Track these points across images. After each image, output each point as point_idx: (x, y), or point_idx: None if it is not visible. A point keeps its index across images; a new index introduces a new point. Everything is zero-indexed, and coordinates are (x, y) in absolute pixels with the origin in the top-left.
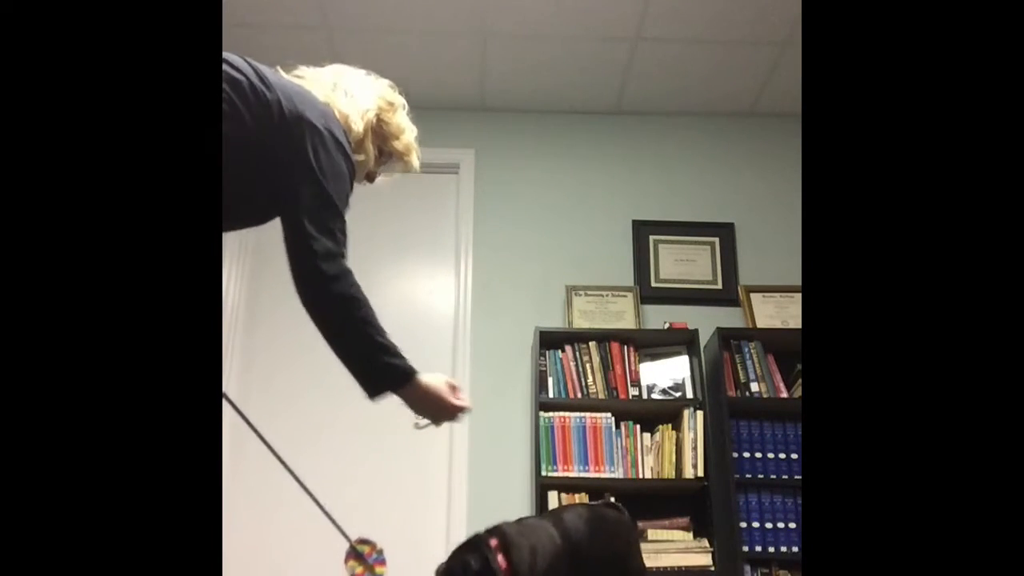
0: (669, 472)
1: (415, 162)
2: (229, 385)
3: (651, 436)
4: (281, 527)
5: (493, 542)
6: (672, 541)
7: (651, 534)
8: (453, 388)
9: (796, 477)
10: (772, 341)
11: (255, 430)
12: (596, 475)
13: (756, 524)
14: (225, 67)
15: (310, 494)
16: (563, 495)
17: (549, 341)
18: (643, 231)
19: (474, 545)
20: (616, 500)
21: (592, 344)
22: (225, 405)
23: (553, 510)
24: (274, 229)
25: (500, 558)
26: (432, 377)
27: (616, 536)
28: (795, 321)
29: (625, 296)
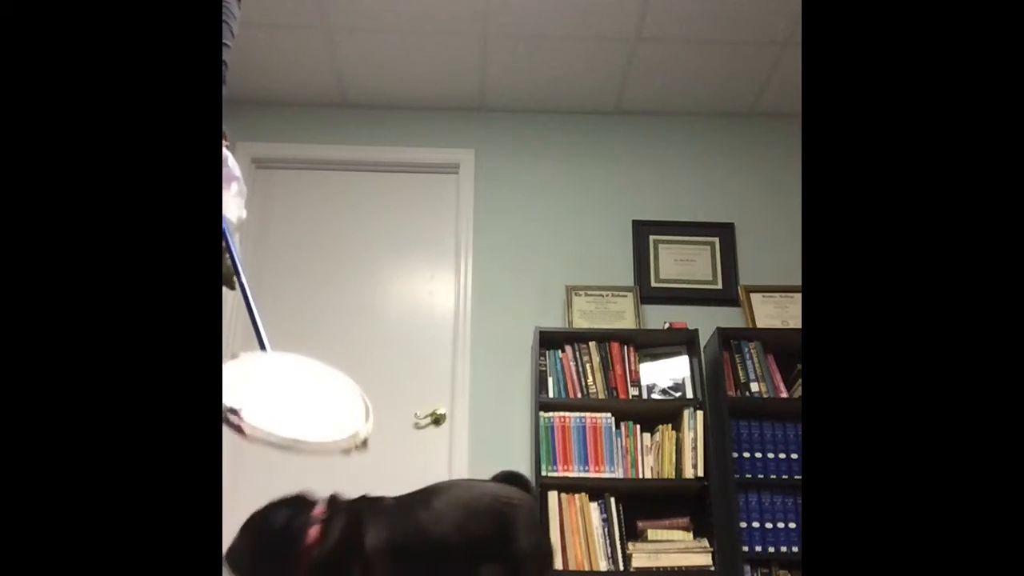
0: (669, 472)
1: None
2: None
3: (651, 436)
4: None
5: (319, 510)
6: (672, 541)
7: (651, 534)
8: None
9: (796, 477)
10: (772, 341)
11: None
12: (596, 475)
13: (756, 524)
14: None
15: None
16: (563, 495)
17: (549, 341)
18: (643, 231)
19: (298, 504)
20: (616, 500)
21: (592, 344)
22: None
23: (433, 489)
24: (273, 223)
25: (314, 530)
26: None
27: (498, 520)
28: (795, 321)
29: (625, 296)
